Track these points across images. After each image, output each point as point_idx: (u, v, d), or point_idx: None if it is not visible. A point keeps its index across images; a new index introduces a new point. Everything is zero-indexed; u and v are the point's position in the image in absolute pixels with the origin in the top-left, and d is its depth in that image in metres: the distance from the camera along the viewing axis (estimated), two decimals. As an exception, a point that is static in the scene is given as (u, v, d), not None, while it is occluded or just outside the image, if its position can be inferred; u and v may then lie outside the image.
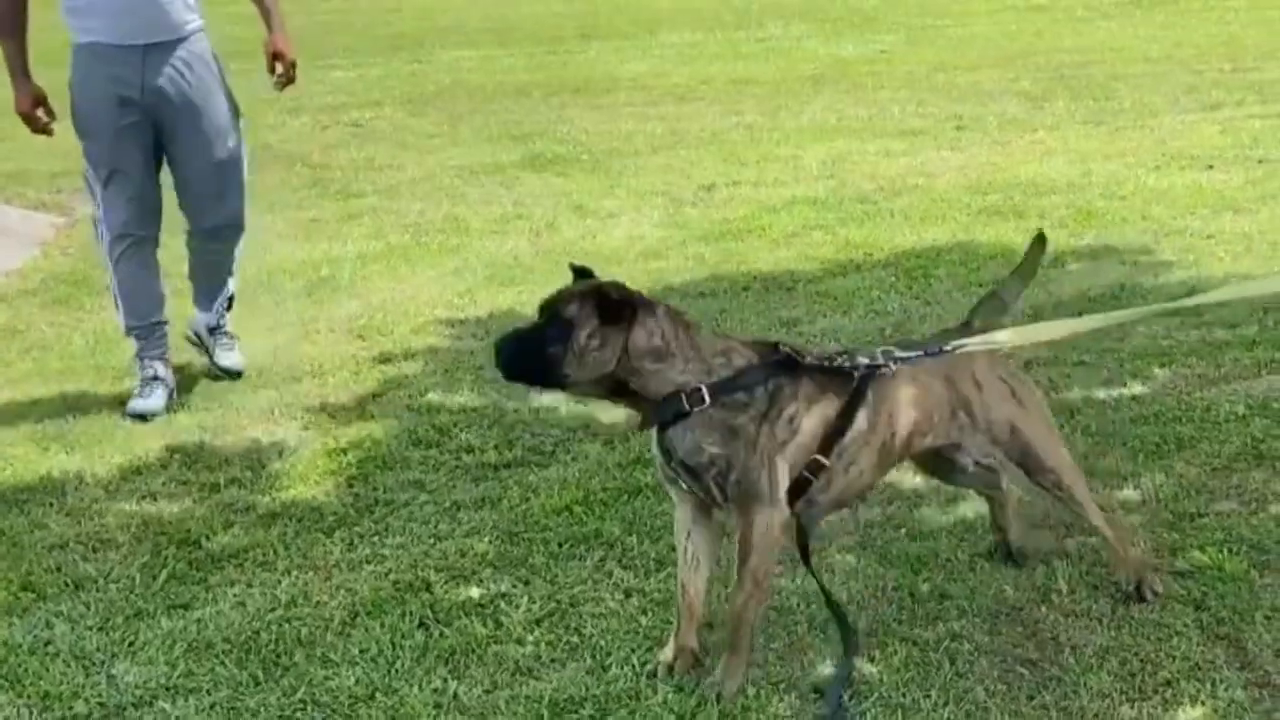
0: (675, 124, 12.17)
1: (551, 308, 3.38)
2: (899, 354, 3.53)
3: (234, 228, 6.01)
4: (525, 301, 6.81)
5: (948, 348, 3.56)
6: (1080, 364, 5.73)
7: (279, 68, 5.94)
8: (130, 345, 5.98)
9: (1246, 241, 7.48)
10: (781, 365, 3.45)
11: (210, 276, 6.15)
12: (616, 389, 3.41)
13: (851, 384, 3.49)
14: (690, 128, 11.95)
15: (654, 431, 3.47)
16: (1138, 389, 5.45)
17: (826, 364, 3.49)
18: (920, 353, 3.56)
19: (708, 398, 3.36)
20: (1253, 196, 8.48)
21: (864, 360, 3.50)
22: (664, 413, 3.39)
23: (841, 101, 12.89)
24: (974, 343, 3.61)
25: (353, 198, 9.87)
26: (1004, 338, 3.68)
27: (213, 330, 6.18)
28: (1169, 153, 9.91)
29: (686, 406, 3.36)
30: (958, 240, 7.83)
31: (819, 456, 3.46)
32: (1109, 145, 10.36)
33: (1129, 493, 4.57)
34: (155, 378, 5.82)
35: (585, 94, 14.18)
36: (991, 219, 8.29)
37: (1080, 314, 6.27)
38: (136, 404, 5.73)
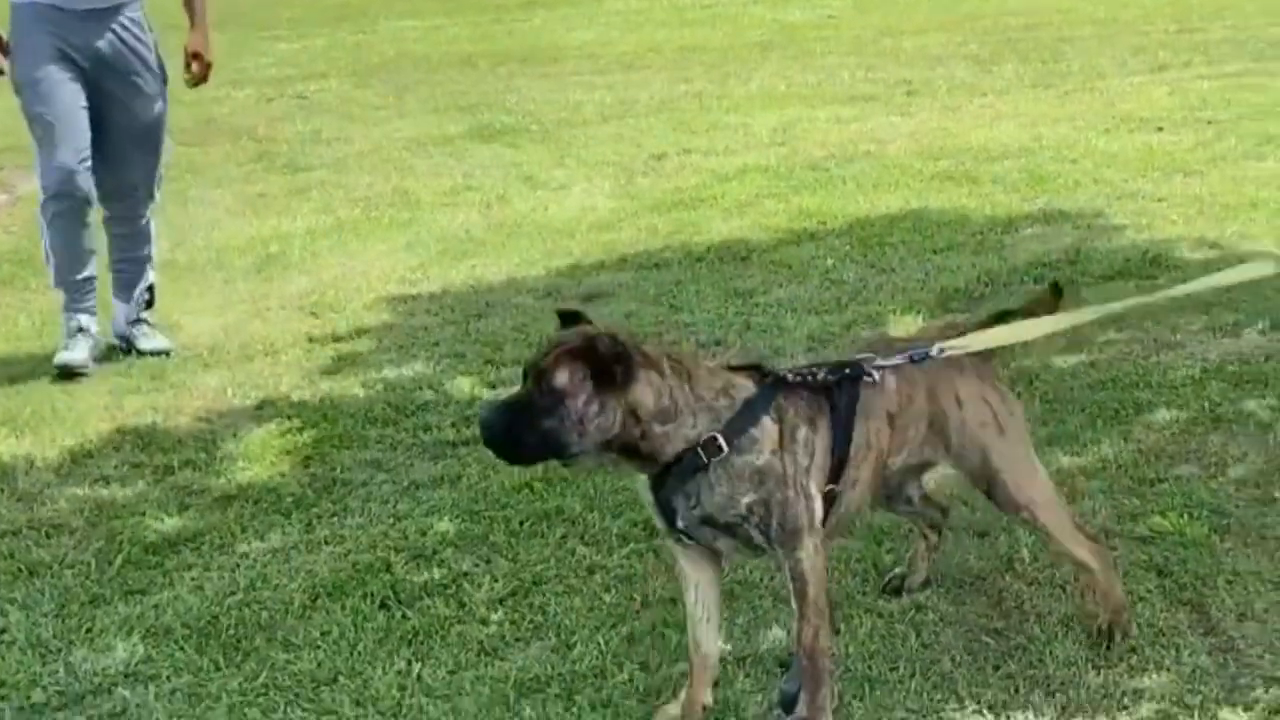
0: (624, 93, 12.12)
1: (539, 372, 2.99)
2: (881, 361, 3.29)
3: (145, 188, 6.07)
4: (479, 276, 6.77)
5: (933, 352, 3.31)
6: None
7: (195, 67, 6.12)
8: (58, 298, 6.00)
9: (1198, 204, 7.50)
10: (776, 387, 3.20)
11: (126, 252, 6.12)
12: (625, 451, 3.06)
13: (843, 395, 3.26)
14: (639, 96, 11.90)
15: (646, 490, 3.19)
16: (1094, 354, 5.44)
17: (815, 378, 3.24)
18: (905, 358, 3.31)
19: (724, 445, 3.08)
20: (1203, 158, 8.51)
21: (858, 367, 3.26)
22: (683, 473, 3.09)
23: (790, 68, 12.87)
24: (958, 344, 3.37)
25: (300, 171, 9.79)
26: (986, 337, 3.46)
27: (133, 323, 6.17)
28: (1118, 115, 9.95)
29: (705, 459, 3.07)
30: (911, 207, 7.82)
31: (832, 485, 3.25)
32: (1058, 108, 10.39)
33: (1088, 459, 4.57)
34: (80, 329, 5.87)
35: (532, 63, 14.11)
36: (944, 185, 8.29)
37: (1036, 281, 6.31)
38: (62, 356, 5.78)
